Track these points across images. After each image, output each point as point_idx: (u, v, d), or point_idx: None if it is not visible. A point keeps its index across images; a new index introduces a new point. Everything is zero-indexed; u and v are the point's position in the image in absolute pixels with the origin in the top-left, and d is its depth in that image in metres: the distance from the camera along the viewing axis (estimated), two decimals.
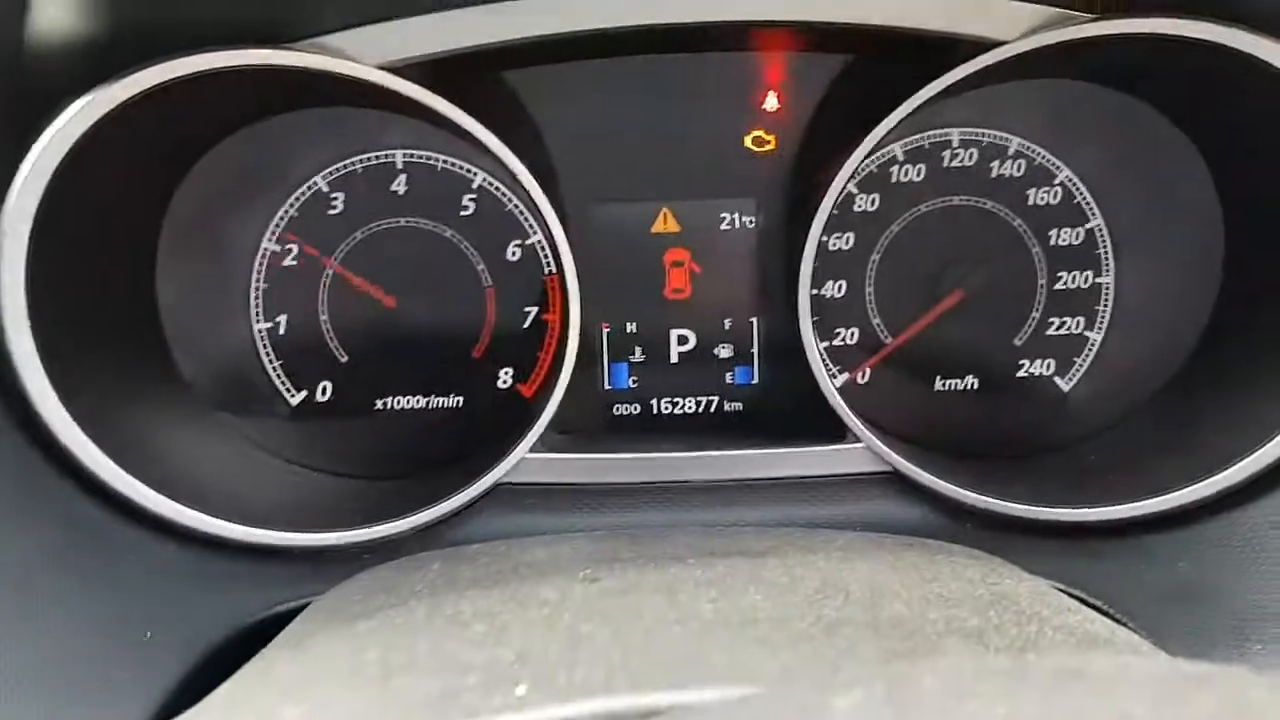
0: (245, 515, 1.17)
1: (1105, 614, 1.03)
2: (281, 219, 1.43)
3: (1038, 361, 1.47)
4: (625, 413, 1.51)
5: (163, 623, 1.05)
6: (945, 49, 1.16)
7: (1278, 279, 1.27)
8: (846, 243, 1.46)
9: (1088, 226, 1.44)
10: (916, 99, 1.17)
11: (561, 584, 0.83)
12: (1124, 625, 1.01)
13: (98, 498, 1.13)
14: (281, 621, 0.99)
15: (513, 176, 1.25)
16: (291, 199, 1.42)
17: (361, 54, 1.11)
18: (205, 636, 1.06)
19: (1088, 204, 1.43)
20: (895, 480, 1.29)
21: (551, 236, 1.29)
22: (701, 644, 0.66)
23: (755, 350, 1.49)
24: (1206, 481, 1.15)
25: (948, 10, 1.13)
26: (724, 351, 1.50)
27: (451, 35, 1.13)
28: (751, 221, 1.46)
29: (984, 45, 1.13)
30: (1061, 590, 1.05)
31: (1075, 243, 1.44)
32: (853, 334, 1.48)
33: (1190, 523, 1.16)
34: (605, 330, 1.49)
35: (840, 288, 1.47)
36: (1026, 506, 1.22)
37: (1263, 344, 1.26)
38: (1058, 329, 1.46)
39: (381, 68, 1.12)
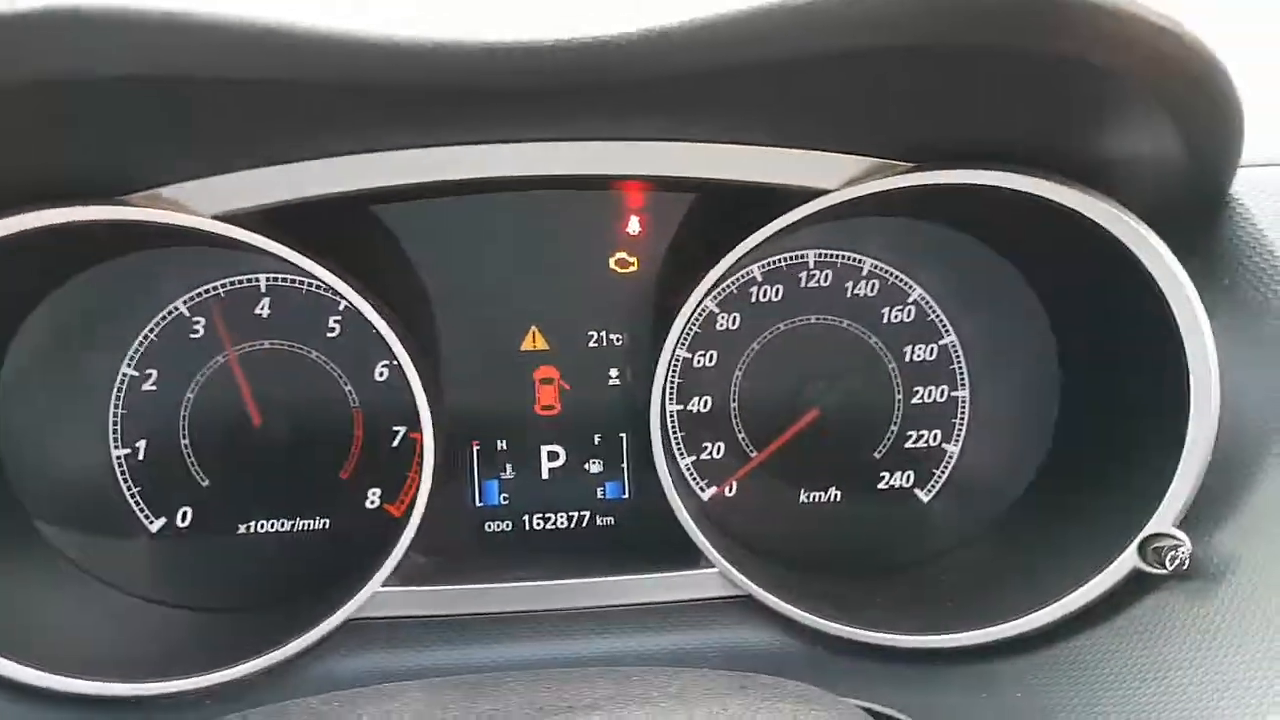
0: (79, 665, 1.14)
1: None
2: (141, 344, 1.42)
3: (897, 473, 1.51)
4: (497, 529, 1.52)
5: None
6: (777, 195, 1.20)
7: (1105, 410, 1.32)
8: (710, 360, 1.49)
9: (941, 343, 1.49)
10: (746, 244, 1.21)
11: None
12: None
13: None
14: None
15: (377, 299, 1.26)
16: (151, 324, 1.42)
17: (198, 204, 1.12)
18: None
19: (940, 321, 1.48)
20: (750, 605, 1.30)
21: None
22: None
23: (625, 465, 1.51)
24: (1040, 611, 1.18)
25: (771, 165, 1.18)
26: (594, 467, 1.51)
27: (291, 186, 1.14)
28: (618, 339, 1.49)
29: (809, 194, 1.18)
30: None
31: (930, 359, 1.49)
32: (719, 448, 1.51)
33: (1025, 650, 1.19)
34: (475, 447, 1.49)
35: (705, 403, 1.50)
36: (874, 633, 1.24)
37: (1092, 474, 1.31)
38: (915, 441, 1.50)
39: (218, 217, 1.12)
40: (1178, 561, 1.10)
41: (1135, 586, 1.16)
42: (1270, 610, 1.03)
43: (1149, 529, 1.13)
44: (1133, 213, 1.12)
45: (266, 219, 1.17)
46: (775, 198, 1.21)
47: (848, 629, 1.25)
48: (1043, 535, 1.34)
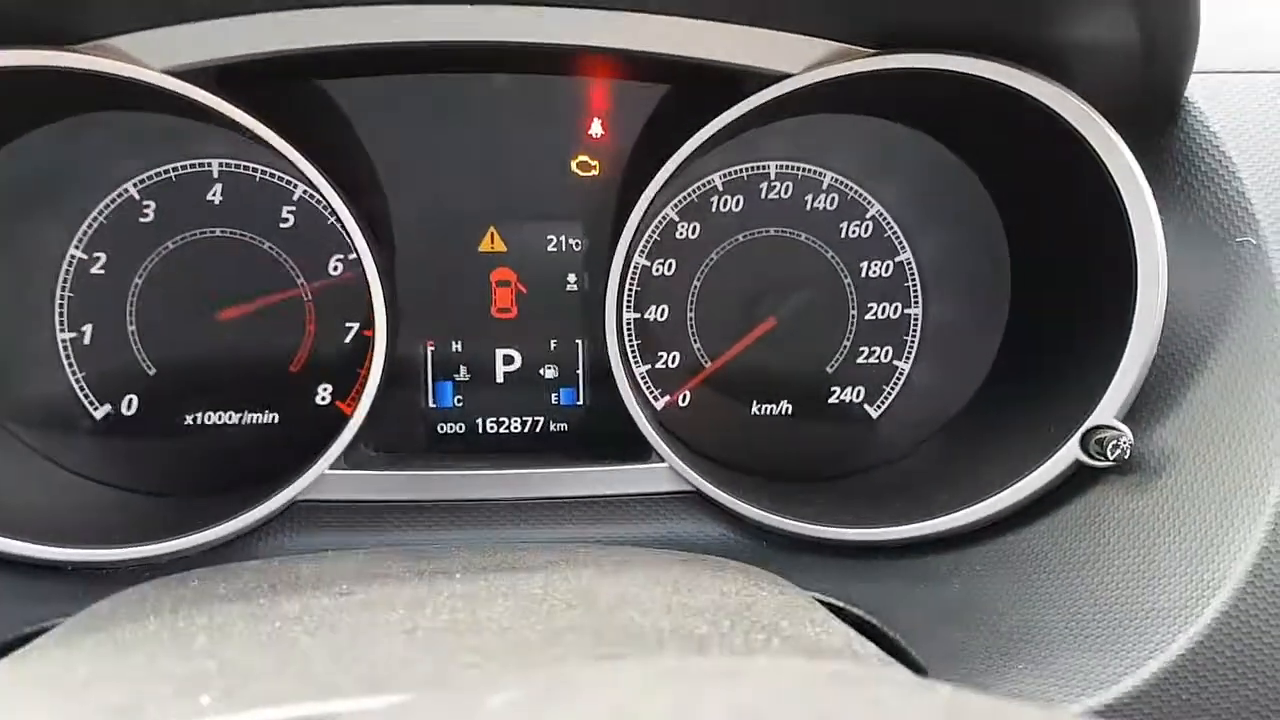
0: (18, 529, 1.12)
1: (873, 630, 1.06)
2: (90, 226, 1.39)
3: (848, 389, 1.52)
4: (450, 431, 1.50)
5: None
6: (742, 81, 1.19)
7: (1054, 314, 1.34)
8: (669, 268, 1.49)
9: (897, 260, 1.50)
10: (708, 129, 1.21)
11: (309, 599, 0.82)
12: (889, 641, 1.04)
13: None
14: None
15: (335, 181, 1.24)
16: (101, 206, 1.39)
17: (147, 57, 1.09)
18: None
19: (897, 238, 1.49)
20: (697, 500, 1.31)
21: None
22: (412, 654, 0.66)
23: (580, 372, 1.51)
24: (981, 504, 1.20)
25: (738, 44, 1.17)
26: (549, 372, 1.51)
27: (244, 41, 1.11)
28: (577, 244, 1.48)
29: (772, 78, 1.17)
30: (836, 606, 1.09)
31: (885, 275, 1.50)
32: (674, 358, 1.51)
33: (967, 544, 1.21)
34: (430, 348, 1.48)
35: (663, 312, 1.50)
36: (816, 526, 1.25)
37: (1037, 375, 1.33)
38: (868, 358, 1.51)
39: (168, 72, 1.10)
40: (1119, 451, 1.12)
41: (1076, 482, 1.18)
42: (1206, 502, 1.06)
43: (1092, 420, 1.15)
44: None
45: (217, 83, 1.15)
46: (739, 90, 1.20)
47: (790, 522, 1.26)
48: (988, 436, 1.36)
